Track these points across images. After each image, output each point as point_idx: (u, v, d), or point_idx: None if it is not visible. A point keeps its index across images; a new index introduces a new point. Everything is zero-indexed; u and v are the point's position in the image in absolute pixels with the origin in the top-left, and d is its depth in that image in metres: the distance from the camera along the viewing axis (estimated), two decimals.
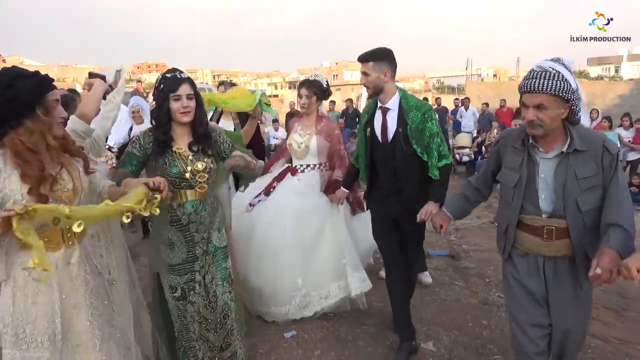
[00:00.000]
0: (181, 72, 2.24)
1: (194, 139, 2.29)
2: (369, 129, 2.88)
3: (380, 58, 2.71)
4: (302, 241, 3.31)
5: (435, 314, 3.53)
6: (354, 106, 14.89)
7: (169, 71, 2.24)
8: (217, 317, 2.42)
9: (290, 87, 58.36)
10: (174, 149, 2.24)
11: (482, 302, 3.71)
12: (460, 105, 13.04)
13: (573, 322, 2.06)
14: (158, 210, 1.80)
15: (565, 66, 1.90)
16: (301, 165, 3.58)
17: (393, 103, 2.77)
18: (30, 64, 41.17)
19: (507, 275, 2.21)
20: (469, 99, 13.45)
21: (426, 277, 4.05)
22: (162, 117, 2.20)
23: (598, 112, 10.46)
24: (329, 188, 3.47)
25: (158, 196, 1.82)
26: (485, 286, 4.04)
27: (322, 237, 3.39)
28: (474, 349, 3.04)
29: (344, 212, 3.55)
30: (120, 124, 4.91)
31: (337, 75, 48.60)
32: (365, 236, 3.49)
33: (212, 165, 2.32)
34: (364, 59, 2.73)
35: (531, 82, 1.87)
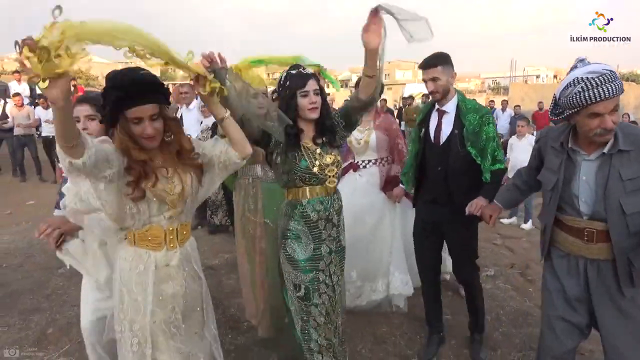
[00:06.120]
0: (304, 67, 2.19)
1: (317, 132, 2.22)
2: (423, 129, 2.88)
3: (446, 61, 2.68)
4: (358, 240, 3.38)
5: None
6: (391, 106, 15.47)
7: (292, 67, 2.19)
8: (339, 319, 2.31)
9: (342, 86, 58.50)
10: (302, 143, 2.18)
11: None
12: (496, 107, 13.23)
13: (624, 339, 1.90)
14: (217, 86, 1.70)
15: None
16: (362, 161, 3.60)
17: (450, 106, 2.76)
18: None
19: (544, 275, 2.17)
20: (507, 101, 13.62)
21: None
22: (289, 113, 2.09)
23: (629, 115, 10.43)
24: (387, 185, 3.53)
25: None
26: None
27: (377, 235, 3.51)
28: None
29: (400, 210, 3.62)
30: (191, 126, 5.32)
31: (388, 74, 47.85)
32: None
33: (339, 159, 2.26)
34: (432, 64, 2.67)
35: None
